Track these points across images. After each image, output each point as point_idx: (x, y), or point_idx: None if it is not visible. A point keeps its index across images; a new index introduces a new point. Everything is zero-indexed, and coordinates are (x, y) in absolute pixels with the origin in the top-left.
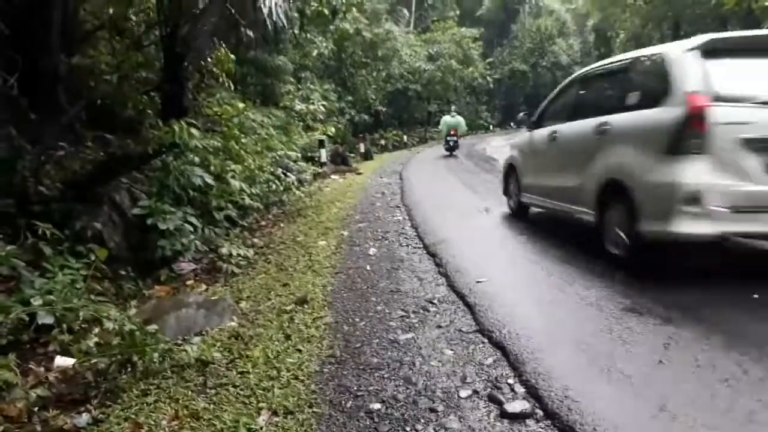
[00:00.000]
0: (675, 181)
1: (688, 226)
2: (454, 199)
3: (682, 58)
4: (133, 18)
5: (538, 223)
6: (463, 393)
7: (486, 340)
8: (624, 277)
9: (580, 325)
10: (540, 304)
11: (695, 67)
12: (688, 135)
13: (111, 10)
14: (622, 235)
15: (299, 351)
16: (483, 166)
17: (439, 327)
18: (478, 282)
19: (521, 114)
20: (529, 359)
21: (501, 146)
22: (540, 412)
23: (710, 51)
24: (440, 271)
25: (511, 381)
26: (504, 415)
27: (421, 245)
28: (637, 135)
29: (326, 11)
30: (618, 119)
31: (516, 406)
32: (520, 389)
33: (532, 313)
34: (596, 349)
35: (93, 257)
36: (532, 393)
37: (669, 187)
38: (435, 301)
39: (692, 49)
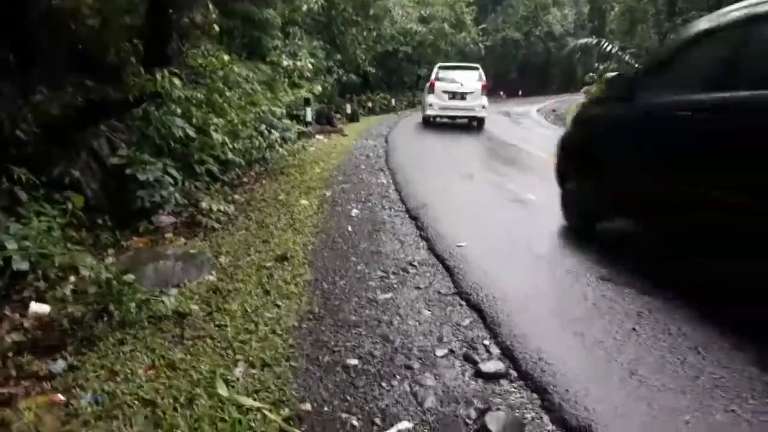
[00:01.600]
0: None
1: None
2: (439, 164)
3: None
4: None
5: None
6: (439, 352)
7: (464, 303)
8: None
9: (556, 290)
10: (517, 270)
11: None
12: None
13: None
14: None
15: (278, 306)
16: (470, 132)
17: (418, 288)
18: (458, 246)
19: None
20: (505, 322)
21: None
22: (514, 373)
23: None
24: (421, 235)
25: (486, 342)
26: (478, 374)
27: (404, 208)
28: None
29: None
30: None
31: (490, 366)
32: (495, 350)
33: (509, 277)
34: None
35: (70, 205)
36: (507, 354)
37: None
38: (415, 264)
39: None
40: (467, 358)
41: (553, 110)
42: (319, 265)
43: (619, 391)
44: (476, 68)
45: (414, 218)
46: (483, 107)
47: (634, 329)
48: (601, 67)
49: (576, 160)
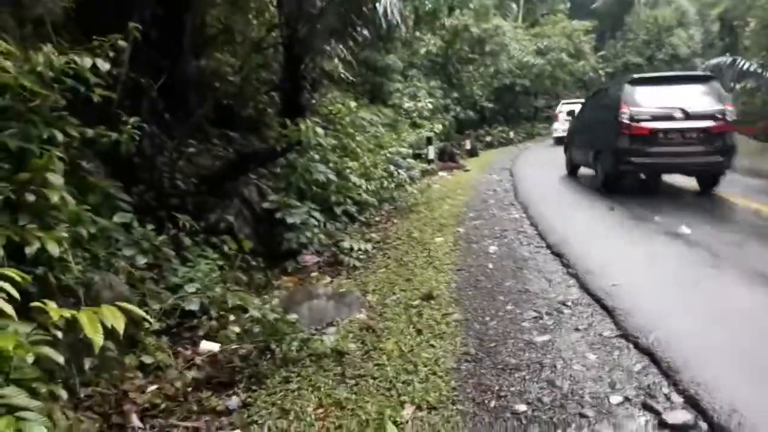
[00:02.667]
0: None
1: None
2: (572, 196)
3: None
4: (254, 22)
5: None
6: (614, 399)
7: (631, 346)
8: None
9: (736, 333)
10: (687, 310)
11: None
12: None
13: (234, 16)
14: None
15: (432, 346)
16: None
17: (577, 330)
18: (613, 285)
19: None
20: (684, 367)
21: None
22: (704, 425)
23: None
24: (569, 272)
25: (665, 390)
26: (663, 425)
27: (544, 244)
28: None
29: (443, 9)
30: None
31: (677, 416)
32: (677, 399)
33: (679, 319)
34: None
35: (226, 248)
36: (692, 404)
37: None
38: (569, 303)
39: None
40: (647, 407)
41: None
42: (466, 304)
43: None
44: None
45: (557, 255)
46: None
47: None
48: (738, 86)
49: (567, 141)
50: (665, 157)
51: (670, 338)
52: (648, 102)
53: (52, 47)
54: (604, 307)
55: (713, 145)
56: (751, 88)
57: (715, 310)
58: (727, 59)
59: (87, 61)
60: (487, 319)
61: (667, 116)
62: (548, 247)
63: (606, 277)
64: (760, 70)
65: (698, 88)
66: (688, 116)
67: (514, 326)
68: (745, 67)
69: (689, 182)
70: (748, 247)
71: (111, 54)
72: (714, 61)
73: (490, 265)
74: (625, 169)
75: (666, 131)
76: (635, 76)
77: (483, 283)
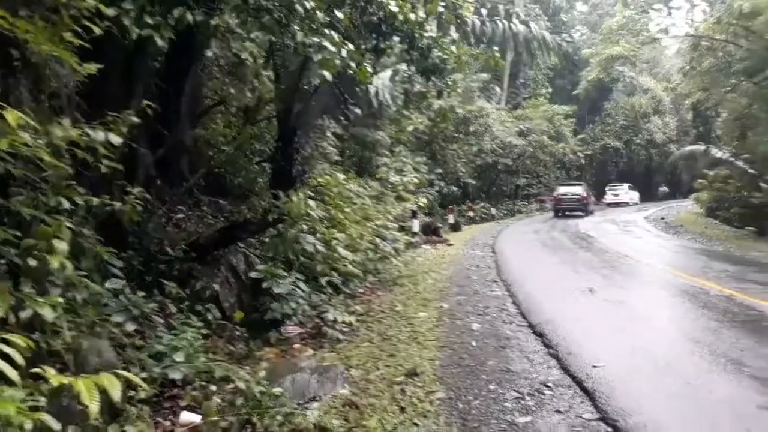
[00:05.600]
0: None
1: None
2: (554, 276)
3: None
4: (249, 95)
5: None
6: None
7: (610, 430)
8: None
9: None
10: (667, 395)
11: None
12: None
13: (231, 90)
14: None
15: (416, 425)
16: (580, 243)
17: (559, 412)
18: (594, 366)
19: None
20: None
21: (597, 222)
22: None
23: None
24: (550, 353)
25: None
26: None
27: (526, 323)
28: None
29: (432, 91)
30: None
31: None
32: None
33: (660, 404)
34: None
35: (210, 316)
36: None
37: None
38: (550, 384)
39: None
40: None
41: (662, 218)
42: (449, 382)
43: None
44: (581, 184)
45: (539, 335)
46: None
47: None
48: (711, 173)
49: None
50: (563, 204)
51: (649, 423)
52: (561, 189)
53: (68, 121)
54: (585, 389)
55: (580, 203)
56: (724, 175)
57: (693, 396)
58: (700, 147)
59: (100, 135)
60: (471, 398)
61: (566, 193)
62: (530, 326)
63: (586, 358)
64: (732, 159)
65: (576, 186)
66: (571, 193)
67: (496, 406)
68: (718, 155)
69: (664, 269)
70: (723, 332)
71: (123, 129)
72: (688, 148)
73: (474, 343)
74: (557, 207)
75: (563, 196)
76: (561, 181)
77: (466, 361)
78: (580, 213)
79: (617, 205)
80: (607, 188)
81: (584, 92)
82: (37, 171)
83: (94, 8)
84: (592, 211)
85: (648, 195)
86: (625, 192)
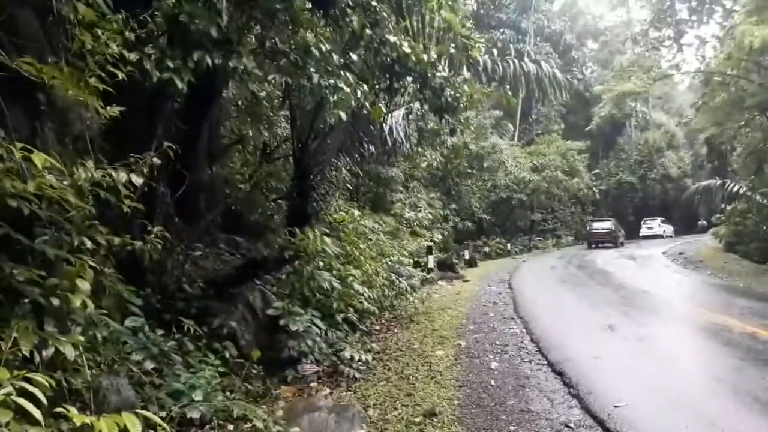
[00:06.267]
0: None
1: None
2: (573, 313)
3: None
4: (265, 134)
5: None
6: None
7: None
8: None
9: None
10: None
11: None
12: None
13: (248, 129)
14: None
15: None
16: (598, 279)
17: None
18: (616, 406)
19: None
20: None
21: (614, 258)
22: None
23: None
24: (570, 392)
25: None
26: None
27: (545, 362)
28: None
29: (445, 129)
30: None
31: None
32: None
33: None
34: None
35: (227, 354)
36: None
37: None
38: (571, 425)
39: None
40: None
41: (681, 253)
42: (469, 423)
43: None
44: (610, 220)
45: (559, 373)
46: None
47: None
48: (729, 207)
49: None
50: (595, 237)
51: None
52: (594, 225)
53: (92, 163)
54: (607, 430)
55: (610, 236)
56: (741, 209)
57: None
58: (716, 181)
59: (122, 176)
60: None
61: (598, 228)
62: (549, 365)
63: (608, 398)
64: (749, 193)
65: (607, 222)
66: (602, 228)
67: None
68: (735, 189)
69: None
70: (747, 371)
71: (145, 170)
72: (704, 183)
73: (492, 382)
74: (590, 240)
75: (595, 230)
76: (593, 218)
77: (485, 401)
78: (610, 244)
79: (653, 237)
80: (642, 222)
81: (597, 128)
82: (61, 211)
83: (118, 54)
84: (623, 243)
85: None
86: (658, 225)
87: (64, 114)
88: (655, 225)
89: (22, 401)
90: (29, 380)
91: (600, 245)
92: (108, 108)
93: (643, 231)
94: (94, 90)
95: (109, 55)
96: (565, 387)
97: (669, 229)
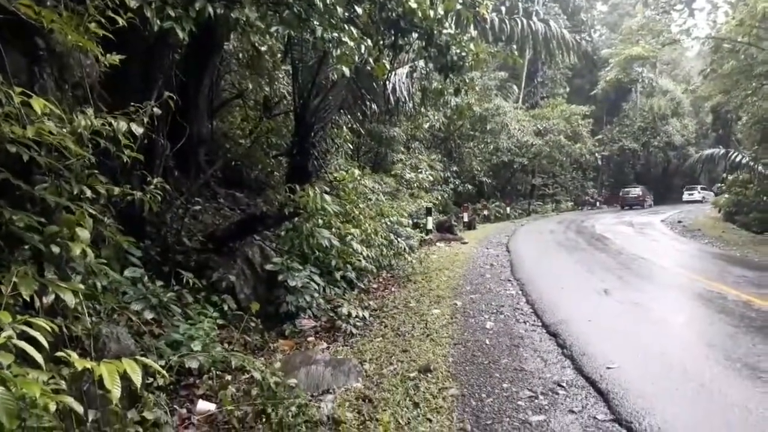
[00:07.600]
0: None
1: None
2: (569, 277)
3: None
4: (266, 89)
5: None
6: None
7: (624, 431)
8: None
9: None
10: (682, 398)
11: None
12: None
13: (249, 83)
14: None
15: (429, 420)
16: (595, 244)
17: (572, 412)
18: (608, 368)
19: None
20: None
21: (612, 224)
22: None
23: None
24: (564, 353)
25: None
26: None
27: (540, 323)
28: None
29: (449, 88)
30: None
31: None
32: None
33: (675, 406)
34: None
35: (226, 307)
36: None
37: None
38: (563, 384)
39: None
40: None
41: (679, 221)
42: (462, 379)
43: None
44: (638, 187)
45: (553, 335)
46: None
47: None
48: (730, 177)
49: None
50: (627, 201)
51: (663, 425)
52: (625, 190)
53: (92, 111)
54: (599, 390)
55: (638, 200)
56: (743, 179)
57: (708, 400)
58: (720, 150)
59: (122, 125)
60: (484, 395)
61: (628, 192)
62: (544, 326)
63: (600, 359)
64: (752, 163)
65: (636, 188)
66: (633, 193)
67: (510, 404)
68: (738, 158)
69: (680, 272)
70: (740, 337)
71: (145, 119)
72: (708, 151)
73: (487, 341)
74: (623, 203)
75: (627, 195)
76: (626, 185)
77: (480, 358)
78: (639, 206)
79: (692, 202)
80: (684, 188)
81: (602, 93)
82: (61, 159)
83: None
84: (651, 205)
85: (666, 198)
86: (698, 192)
87: (63, 60)
88: (695, 192)
89: (23, 344)
90: (30, 324)
91: (633, 207)
92: (108, 56)
93: (685, 197)
94: (93, 36)
95: (109, 0)
96: (558, 348)
97: (709, 195)
